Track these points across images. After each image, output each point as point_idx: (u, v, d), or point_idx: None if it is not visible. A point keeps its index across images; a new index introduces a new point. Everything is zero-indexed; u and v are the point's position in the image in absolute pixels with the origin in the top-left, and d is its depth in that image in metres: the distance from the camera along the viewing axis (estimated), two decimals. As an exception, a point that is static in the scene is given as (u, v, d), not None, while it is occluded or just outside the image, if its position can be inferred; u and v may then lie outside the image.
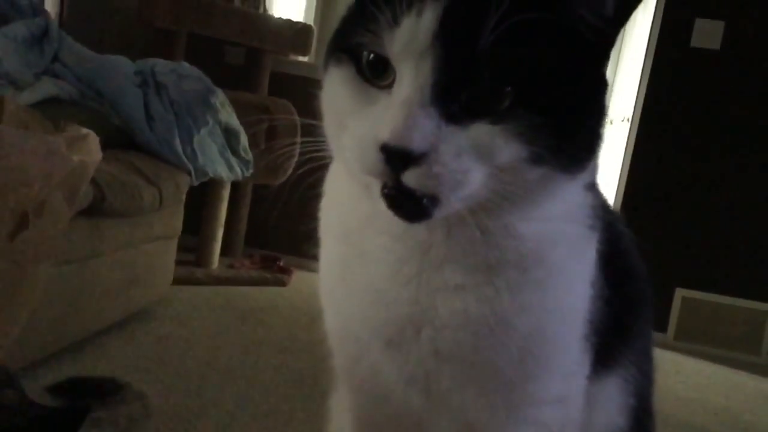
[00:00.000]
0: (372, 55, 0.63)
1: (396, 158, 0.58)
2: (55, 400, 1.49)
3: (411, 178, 0.59)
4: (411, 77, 0.59)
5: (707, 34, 3.08)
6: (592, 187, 0.76)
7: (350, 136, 0.63)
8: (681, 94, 3.17)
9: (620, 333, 0.85)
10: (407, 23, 0.59)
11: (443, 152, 0.58)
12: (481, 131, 0.59)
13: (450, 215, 0.64)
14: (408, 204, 0.61)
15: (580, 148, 0.64)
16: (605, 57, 0.66)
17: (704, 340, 3.20)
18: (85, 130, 1.42)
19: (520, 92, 0.59)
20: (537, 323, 0.72)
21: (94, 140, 1.40)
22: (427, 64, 0.58)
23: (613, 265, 0.79)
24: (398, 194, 0.61)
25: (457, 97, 0.59)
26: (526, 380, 0.76)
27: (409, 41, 0.59)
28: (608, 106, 0.68)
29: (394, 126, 0.58)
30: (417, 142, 0.57)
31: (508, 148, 0.59)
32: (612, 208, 0.85)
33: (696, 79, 3.16)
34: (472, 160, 0.59)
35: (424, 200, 0.60)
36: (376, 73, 0.63)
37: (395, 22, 0.60)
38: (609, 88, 0.68)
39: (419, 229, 0.71)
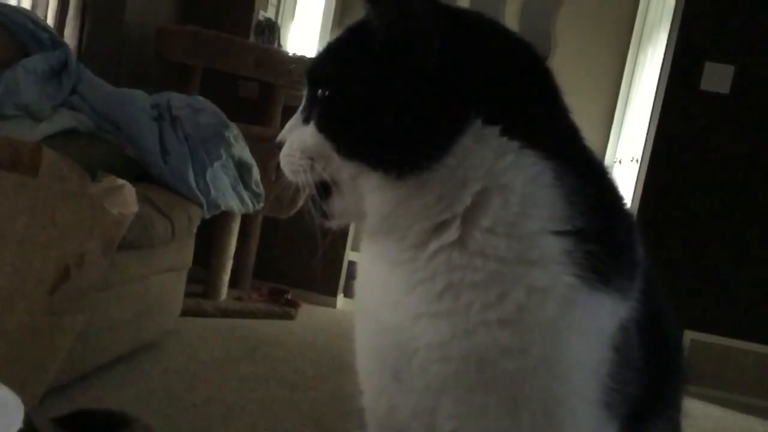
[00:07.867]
0: None
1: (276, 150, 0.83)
2: (63, 432, 1.49)
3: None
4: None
5: (717, 77, 3.10)
6: (584, 234, 0.71)
7: None
8: (690, 137, 3.18)
9: (651, 402, 0.82)
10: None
11: (286, 144, 0.81)
12: (308, 128, 0.79)
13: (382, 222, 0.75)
14: (313, 203, 0.82)
15: (385, 151, 0.72)
16: (446, 91, 0.72)
17: (713, 383, 3.17)
18: (120, 181, 1.43)
19: (327, 99, 0.77)
20: (525, 370, 0.70)
21: (130, 191, 1.42)
22: (305, 86, 0.83)
23: (650, 332, 0.77)
24: (311, 197, 0.82)
25: (308, 105, 0.81)
26: None
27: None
28: (440, 134, 0.72)
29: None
30: (279, 137, 0.83)
31: (312, 140, 0.78)
32: (647, 267, 0.79)
33: (705, 123, 3.17)
34: (297, 150, 0.79)
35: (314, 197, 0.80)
36: None
37: None
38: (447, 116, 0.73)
39: (386, 248, 0.76)
